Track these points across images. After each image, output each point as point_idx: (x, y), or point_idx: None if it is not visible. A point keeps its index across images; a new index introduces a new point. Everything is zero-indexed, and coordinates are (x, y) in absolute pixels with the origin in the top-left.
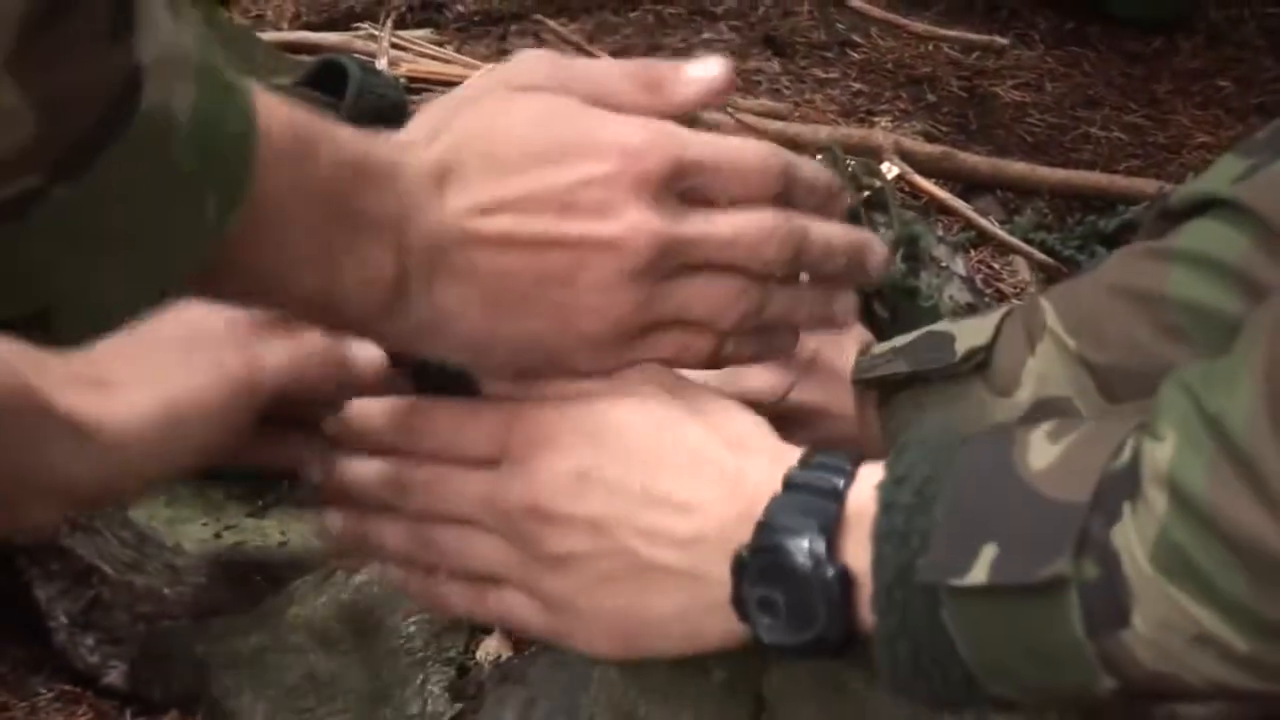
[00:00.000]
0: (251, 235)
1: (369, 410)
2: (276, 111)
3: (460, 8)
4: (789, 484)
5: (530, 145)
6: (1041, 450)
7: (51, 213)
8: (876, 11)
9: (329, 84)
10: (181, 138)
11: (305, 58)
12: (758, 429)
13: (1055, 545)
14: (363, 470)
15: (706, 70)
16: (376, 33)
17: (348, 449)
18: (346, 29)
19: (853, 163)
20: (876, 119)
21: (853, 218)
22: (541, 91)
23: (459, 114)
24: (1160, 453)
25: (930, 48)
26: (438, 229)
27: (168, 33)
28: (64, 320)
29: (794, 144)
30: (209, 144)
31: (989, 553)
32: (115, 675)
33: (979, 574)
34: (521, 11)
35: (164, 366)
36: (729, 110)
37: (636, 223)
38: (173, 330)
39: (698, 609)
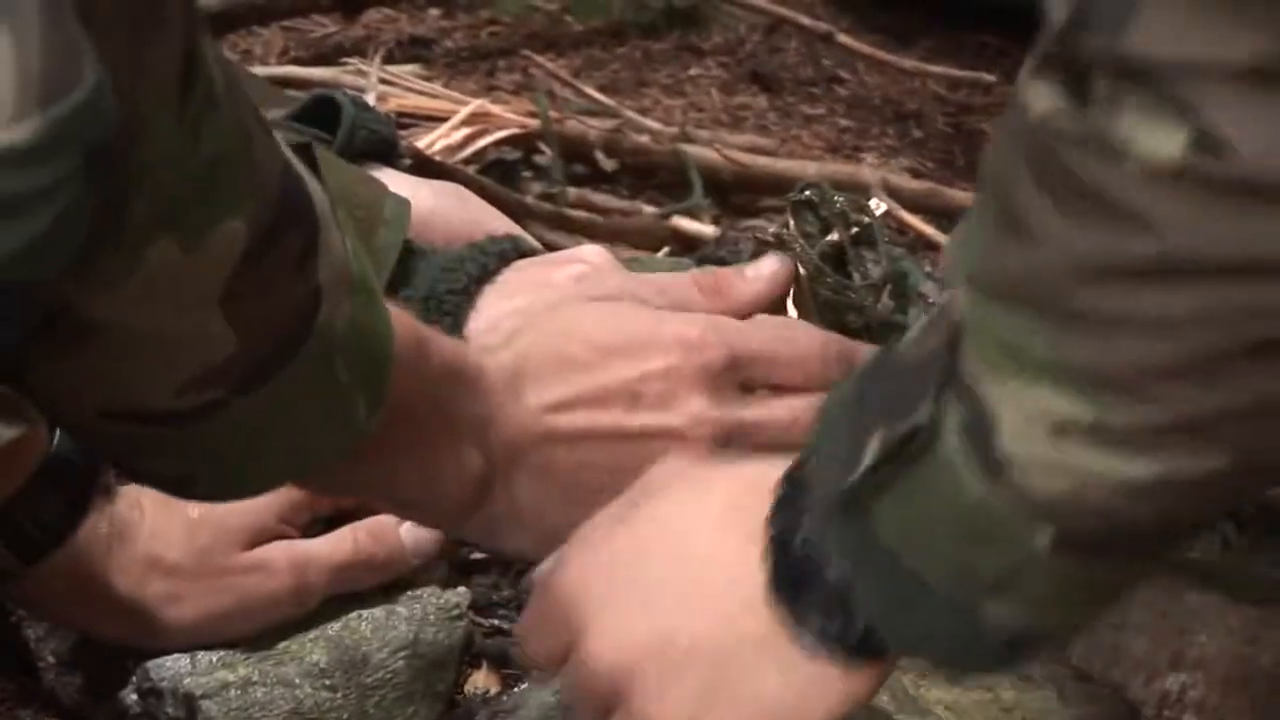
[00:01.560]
0: (377, 435)
1: None
2: (398, 315)
3: (449, 43)
4: (776, 494)
5: (598, 343)
6: (914, 326)
7: (224, 418)
8: (864, 48)
9: (321, 119)
10: (341, 349)
11: (294, 93)
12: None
13: (915, 400)
14: None
15: (766, 268)
16: (365, 68)
17: None
18: (335, 64)
19: (841, 199)
20: (863, 155)
21: (840, 254)
22: (611, 299)
23: (535, 319)
24: (948, 251)
25: (917, 84)
26: (517, 428)
27: (337, 251)
28: (202, 488)
29: (781, 180)
30: (362, 352)
31: (875, 439)
32: (104, 715)
33: (865, 463)
34: (510, 47)
35: (221, 575)
36: (717, 146)
37: (697, 412)
38: (225, 531)
39: (788, 669)
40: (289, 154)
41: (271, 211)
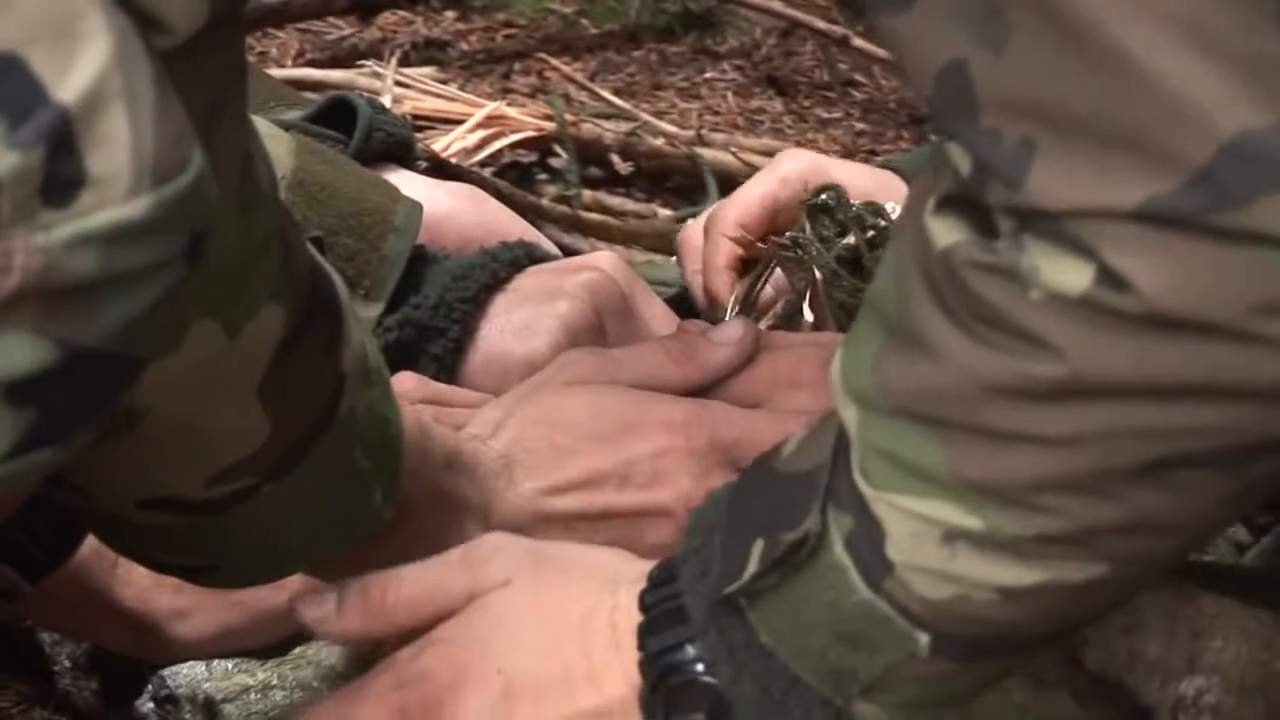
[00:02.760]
0: (388, 521)
1: None
2: (404, 407)
3: (464, 46)
4: (645, 605)
5: (587, 431)
6: (792, 440)
7: (252, 505)
8: (879, 51)
9: (337, 121)
10: (360, 437)
11: (310, 95)
12: (618, 557)
13: (803, 509)
14: None
15: (731, 334)
16: (380, 70)
17: None
18: (351, 66)
19: (857, 203)
20: (879, 159)
21: (857, 258)
22: (590, 384)
23: (518, 407)
24: (833, 373)
25: None
26: (514, 512)
27: (357, 342)
28: (223, 578)
29: None
30: (379, 441)
31: (758, 547)
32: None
33: (750, 569)
34: (525, 50)
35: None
36: (733, 150)
37: (685, 490)
38: None
39: None
40: (310, 246)
41: (305, 299)
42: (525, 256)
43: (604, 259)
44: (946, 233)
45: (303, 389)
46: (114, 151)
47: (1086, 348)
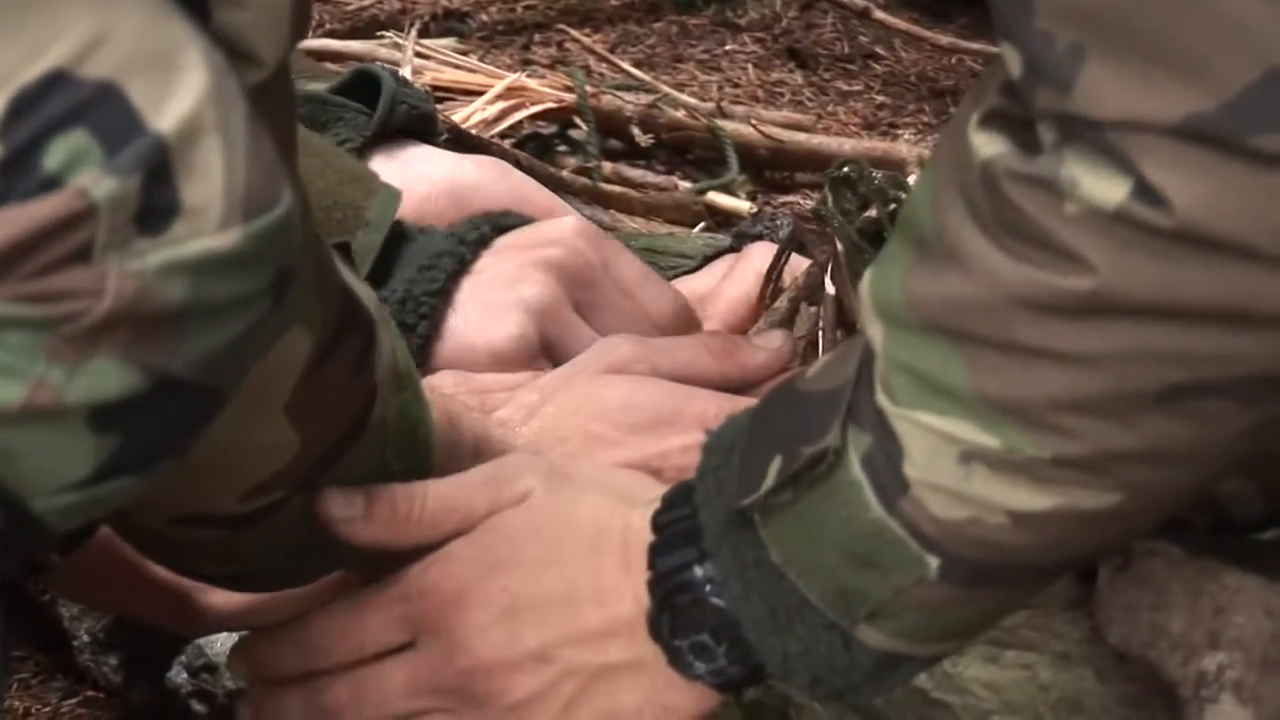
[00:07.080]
0: None
1: (268, 642)
2: (434, 399)
3: (484, 17)
4: (657, 525)
5: (621, 421)
6: (818, 362)
7: (284, 516)
8: (900, 24)
9: (360, 93)
10: (391, 441)
11: (330, 65)
12: (640, 480)
13: (824, 426)
14: (285, 710)
15: (773, 342)
16: (401, 41)
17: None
18: (371, 37)
19: (879, 176)
20: (900, 132)
21: (878, 230)
22: (627, 372)
23: (555, 393)
24: (862, 291)
25: (954, 61)
26: None
27: (387, 349)
28: (253, 585)
29: (817, 156)
30: (409, 443)
31: (776, 463)
32: (139, 694)
33: (767, 483)
34: (545, 21)
35: None
36: (753, 122)
37: None
38: None
39: (658, 690)
40: (341, 263)
41: (334, 319)
42: (492, 230)
43: (569, 227)
44: (988, 144)
45: (331, 405)
46: (208, 183)
47: (1116, 263)
